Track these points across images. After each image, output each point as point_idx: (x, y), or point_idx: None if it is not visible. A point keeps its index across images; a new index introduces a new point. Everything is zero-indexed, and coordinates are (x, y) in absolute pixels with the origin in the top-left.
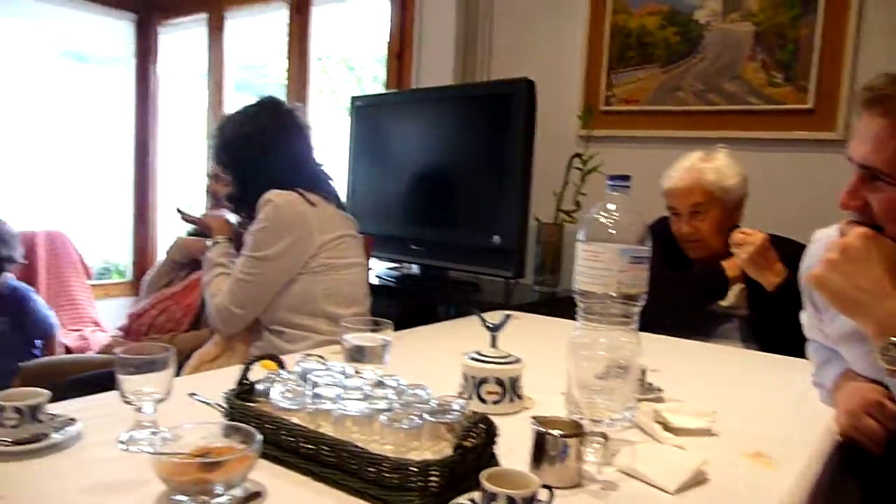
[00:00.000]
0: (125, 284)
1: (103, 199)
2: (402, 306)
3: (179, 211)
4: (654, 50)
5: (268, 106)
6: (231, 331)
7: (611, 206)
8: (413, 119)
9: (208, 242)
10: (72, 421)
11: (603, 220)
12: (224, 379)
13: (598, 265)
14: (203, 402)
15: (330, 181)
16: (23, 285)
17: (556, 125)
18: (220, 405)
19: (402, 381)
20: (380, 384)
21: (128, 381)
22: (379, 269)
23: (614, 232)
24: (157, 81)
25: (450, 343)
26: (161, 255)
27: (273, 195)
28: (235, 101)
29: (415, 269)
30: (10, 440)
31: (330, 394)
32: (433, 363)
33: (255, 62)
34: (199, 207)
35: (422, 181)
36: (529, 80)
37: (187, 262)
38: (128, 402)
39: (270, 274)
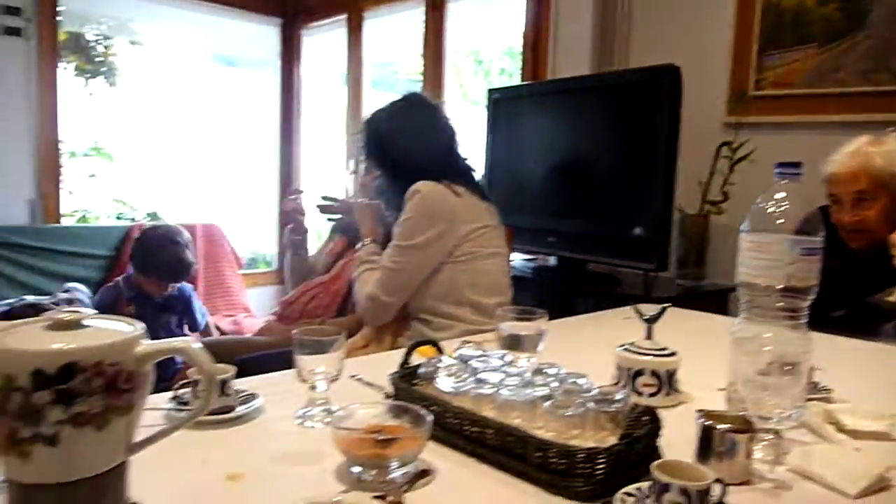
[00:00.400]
0: (271, 273)
1: (251, 194)
2: (539, 299)
3: (324, 200)
4: (811, 28)
5: (413, 101)
6: (380, 319)
7: (779, 195)
8: (552, 110)
9: (358, 244)
10: (253, 396)
11: (770, 209)
12: (379, 363)
13: (764, 257)
14: (367, 383)
15: (473, 172)
16: (187, 285)
17: (699, 112)
18: (381, 387)
19: (563, 370)
20: (539, 372)
21: (304, 361)
22: (515, 261)
23: (783, 221)
24: (300, 82)
25: (595, 334)
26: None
27: (420, 186)
28: (373, 99)
29: (552, 261)
30: None
31: (493, 379)
32: (582, 354)
33: (386, 60)
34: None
35: (560, 172)
36: (675, 65)
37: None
38: (303, 381)
39: (417, 262)
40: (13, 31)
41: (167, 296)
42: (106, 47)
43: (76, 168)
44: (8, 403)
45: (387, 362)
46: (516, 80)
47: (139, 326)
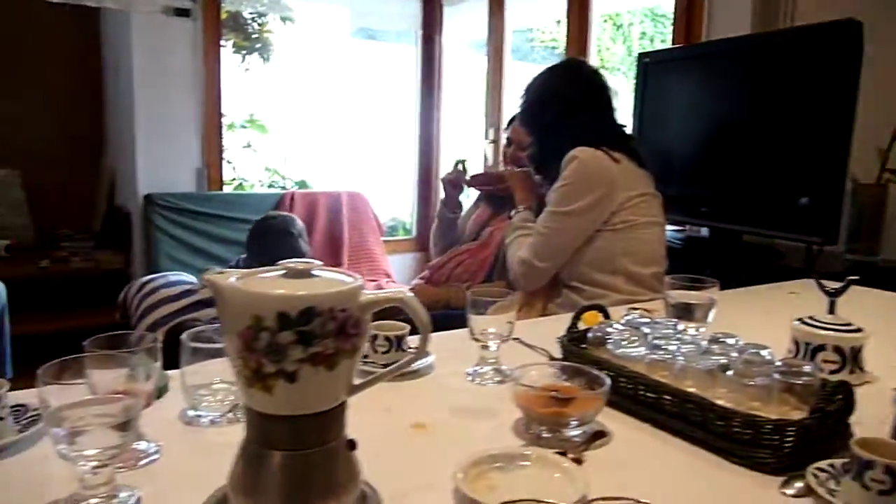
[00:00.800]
0: (410, 241)
1: (391, 162)
2: (688, 271)
3: (463, 171)
4: None
5: (572, 67)
6: (532, 284)
7: None
8: (710, 72)
9: (513, 212)
10: (426, 353)
11: None
12: (536, 327)
13: None
14: (528, 345)
15: (631, 139)
16: None
17: (883, 72)
18: (543, 349)
19: (741, 340)
20: (716, 341)
21: (477, 321)
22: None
23: None
24: (442, 51)
25: (763, 307)
26: None
27: (578, 152)
28: (512, 69)
29: (703, 231)
30: (381, 363)
31: (669, 346)
32: (751, 327)
33: (520, 27)
34: (478, 170)
35: (717, 138)
36: (855, 20)
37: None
38: (476, 340)
39: (572, 229)
40: (182, 12)
41: None
42: (260, 24)
43: (233, 139)
44: (257, 342)
45: (544, 326)
46: (658, 45)
47: (359, 277)
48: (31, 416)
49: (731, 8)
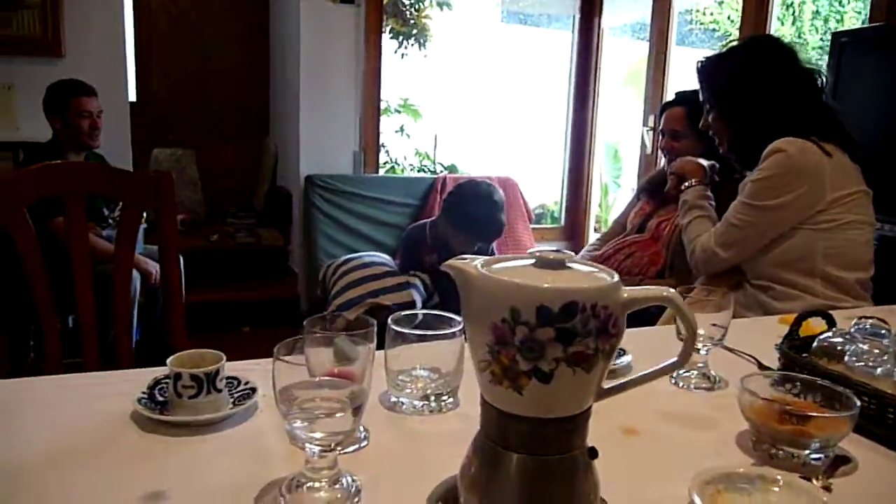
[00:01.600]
0: (557, 229)
1: (540, 149)
2: (883, 277)
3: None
4: None
5: (766, 45)
6: (709, 271)
7: None
8: None
9: (683, 185)
10: (623, 351)
11: None
12: (731, 329)
13: None
14: (727, 348)
15: (843, 127)
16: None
17: None
18: (743, 353)
19: None
20: None
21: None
22: None
23: None
24: (601, 35)
25: None
26: (594, 206)
27: (784, 143)
28: (682, 54)
29: None
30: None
31: None
32: None
33: (679, 9)
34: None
35: None
36: None
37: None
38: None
39: (766, 224)
40: (348, 0)
41: (472, 252)
42: (418, 10)
43: (387, 123)
44: (513, 336)
45: (740, 328)
46: (833, 25)
47: (615, 274)
48: (243, 390)
49: None
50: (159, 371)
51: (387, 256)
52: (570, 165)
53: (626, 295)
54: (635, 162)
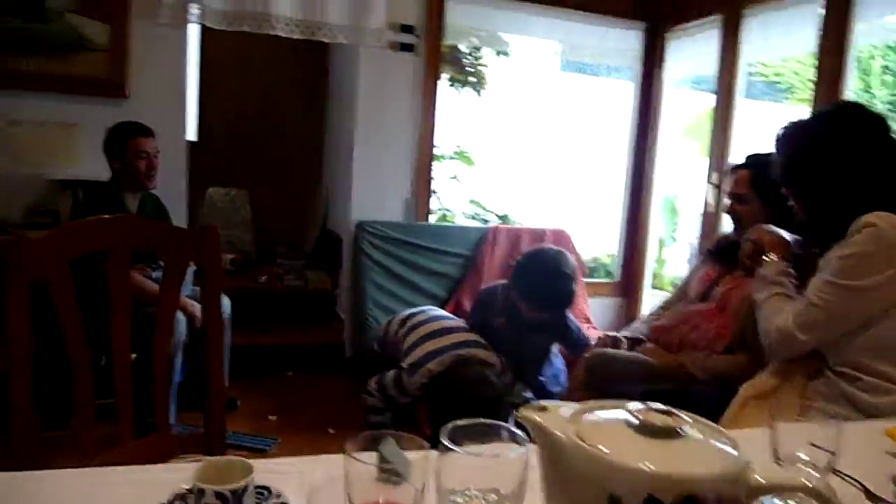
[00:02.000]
0: (611, 284)
1: (595, 201)
2: None
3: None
4: None
5: (853, 112)
6: (784, 355)
7: None
8: None
9: (763, 258)
10: None
11: None
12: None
13: None
14: (837, 472)
15: None
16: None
17: None
18: (855, 481)
19: None
20: None
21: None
22: None
23: None
24: (661, 87)
25: None
26: (650, 261)
27: (876, 218)
28: (744, 107)
29: None
30: None
31: None
32: None
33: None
34: (695, 215)
35: None
36: None
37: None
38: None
39: (853, 306)
40: (406, 48)
41: (541, 318)
42: (476, 58)
43: (440, 170)
44: None
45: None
46: None
47: (741, 450)
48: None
49: None
50: (184, 469)
51: (448, 313)
52: (628, 218)
53: (755, 479)
54: (692, 216)
